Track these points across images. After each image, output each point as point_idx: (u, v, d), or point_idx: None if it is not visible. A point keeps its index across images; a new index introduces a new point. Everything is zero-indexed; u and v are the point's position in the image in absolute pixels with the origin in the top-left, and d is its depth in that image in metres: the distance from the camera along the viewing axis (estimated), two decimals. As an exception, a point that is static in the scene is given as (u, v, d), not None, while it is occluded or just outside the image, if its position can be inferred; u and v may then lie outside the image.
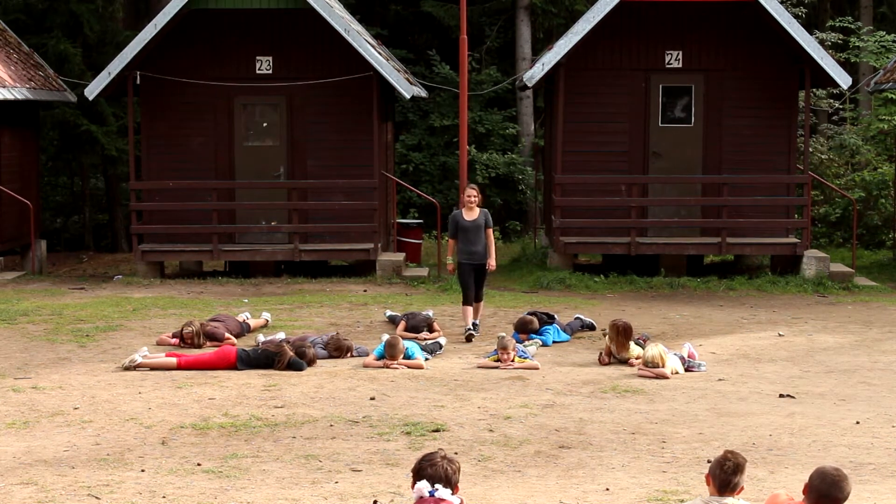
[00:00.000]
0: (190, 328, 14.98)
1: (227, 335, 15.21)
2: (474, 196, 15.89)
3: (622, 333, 14.16)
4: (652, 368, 13.44)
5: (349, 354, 14.51)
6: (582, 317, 16.69)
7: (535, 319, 15.63)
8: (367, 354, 14.34)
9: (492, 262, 15.92)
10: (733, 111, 22.11)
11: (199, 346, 14.84)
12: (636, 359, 13.93)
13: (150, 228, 22.20)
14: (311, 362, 13.84)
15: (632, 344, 14.20)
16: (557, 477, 9.53)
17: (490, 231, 15.93)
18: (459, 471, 6.39)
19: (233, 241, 22.23)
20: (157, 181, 22.16)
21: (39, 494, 8.98)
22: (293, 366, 13.60)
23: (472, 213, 15.87)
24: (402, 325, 16.01)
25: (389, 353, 13.86)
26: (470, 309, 15.98)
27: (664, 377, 13.34)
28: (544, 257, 22.94)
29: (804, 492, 6.45)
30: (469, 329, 15.78)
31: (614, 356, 14.26)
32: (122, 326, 16.46)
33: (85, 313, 17.49)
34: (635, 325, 14.93)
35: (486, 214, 15.98)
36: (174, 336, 15.22)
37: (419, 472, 6.31)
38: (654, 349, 13.64)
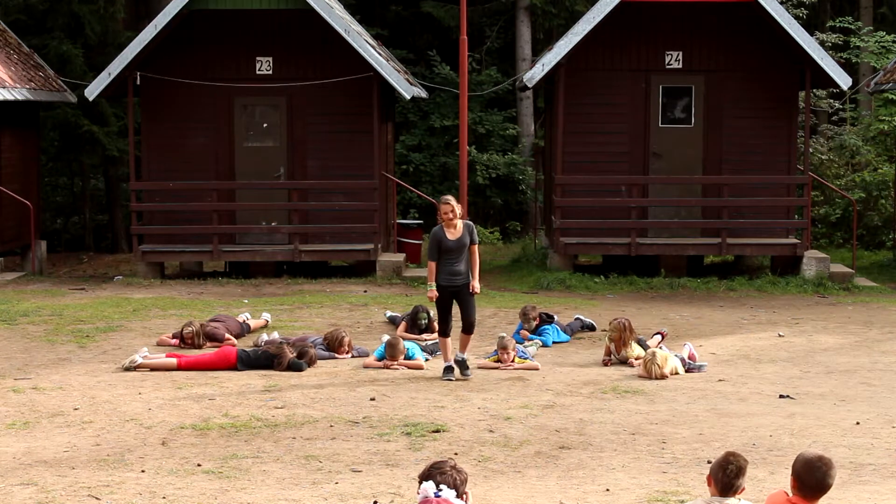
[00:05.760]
0: (190, 329, 14.98)
1: (227, 336, 15.21)
2: (450, 212, 13.18)
3: (627, 329, 14.19)
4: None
5: (347, 346, 14.50)
6: (582, 317, 16.70)
7: (536, 307, 15.87)
8: (367, 355, 14.35)
9: (475, 285, 13.34)
10: (733, 112, 22.10)
11: (200, 347, 14.84)
12: (636, 359, 13.94)
13: (150, 229, 22.19)
14: (311, 363, 13.85)
15: (633, 343, 14.22)
16: (558, 477, 9.53)
17: (476, 248, 13.36)
18: (467, 482, 6.38)
19: (233, 242, 22.22)
20: (157, 182, 22.15)
21: (40, 495, 8.98)
22: (293, 366, 13.60)
23: (455, 232, 13.21)
24: (402, 325, 16.01)
25: (390, 354, 13.85)
26: (448, 341, 13.41)
27: (663, 377, 13.34)
28: (544, 258, 22.94)
29: (793, 486, 6.41)
30: (449, 364, 13.38)
31: (614, 356, 14.28)
32: (123, 327, 16.46)
33: (85, 314, 17.49)
34: (635, 326, 14.91)
35: (471, 228, 13.34)
36: (174, 336, 15.22)
37: (427, 478, 6.30)
38: (656, 351, 13.66)
